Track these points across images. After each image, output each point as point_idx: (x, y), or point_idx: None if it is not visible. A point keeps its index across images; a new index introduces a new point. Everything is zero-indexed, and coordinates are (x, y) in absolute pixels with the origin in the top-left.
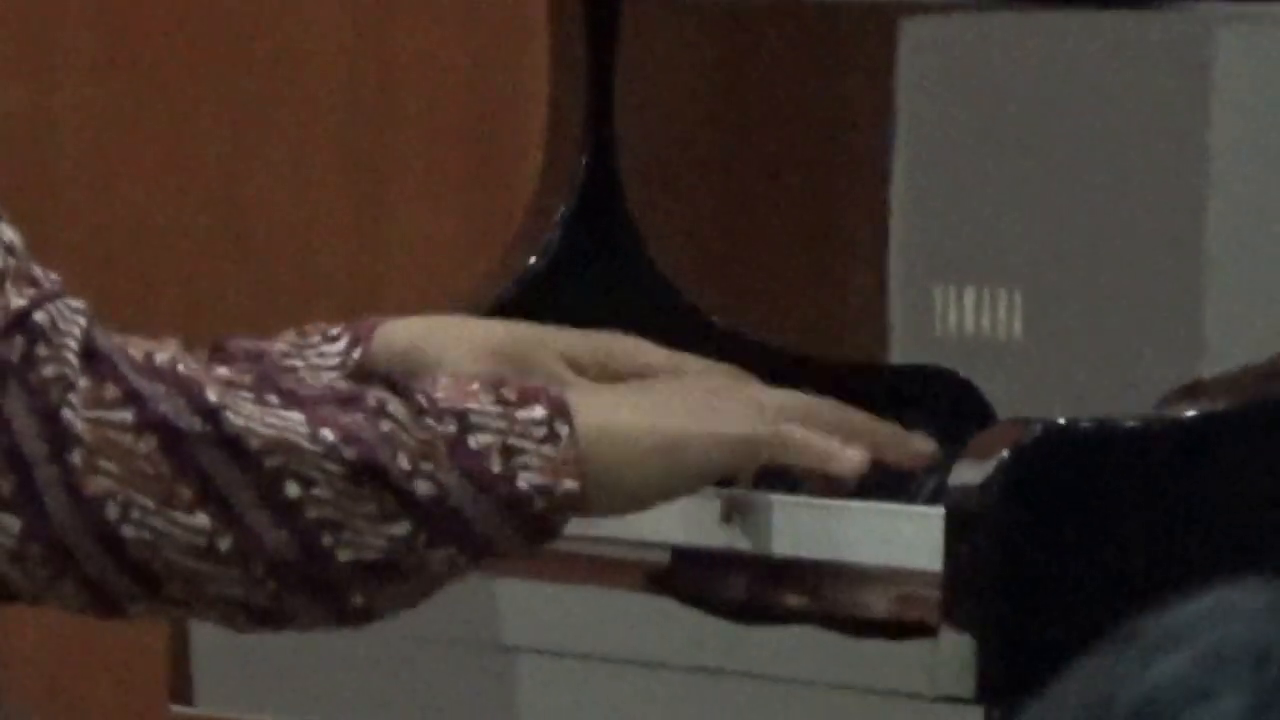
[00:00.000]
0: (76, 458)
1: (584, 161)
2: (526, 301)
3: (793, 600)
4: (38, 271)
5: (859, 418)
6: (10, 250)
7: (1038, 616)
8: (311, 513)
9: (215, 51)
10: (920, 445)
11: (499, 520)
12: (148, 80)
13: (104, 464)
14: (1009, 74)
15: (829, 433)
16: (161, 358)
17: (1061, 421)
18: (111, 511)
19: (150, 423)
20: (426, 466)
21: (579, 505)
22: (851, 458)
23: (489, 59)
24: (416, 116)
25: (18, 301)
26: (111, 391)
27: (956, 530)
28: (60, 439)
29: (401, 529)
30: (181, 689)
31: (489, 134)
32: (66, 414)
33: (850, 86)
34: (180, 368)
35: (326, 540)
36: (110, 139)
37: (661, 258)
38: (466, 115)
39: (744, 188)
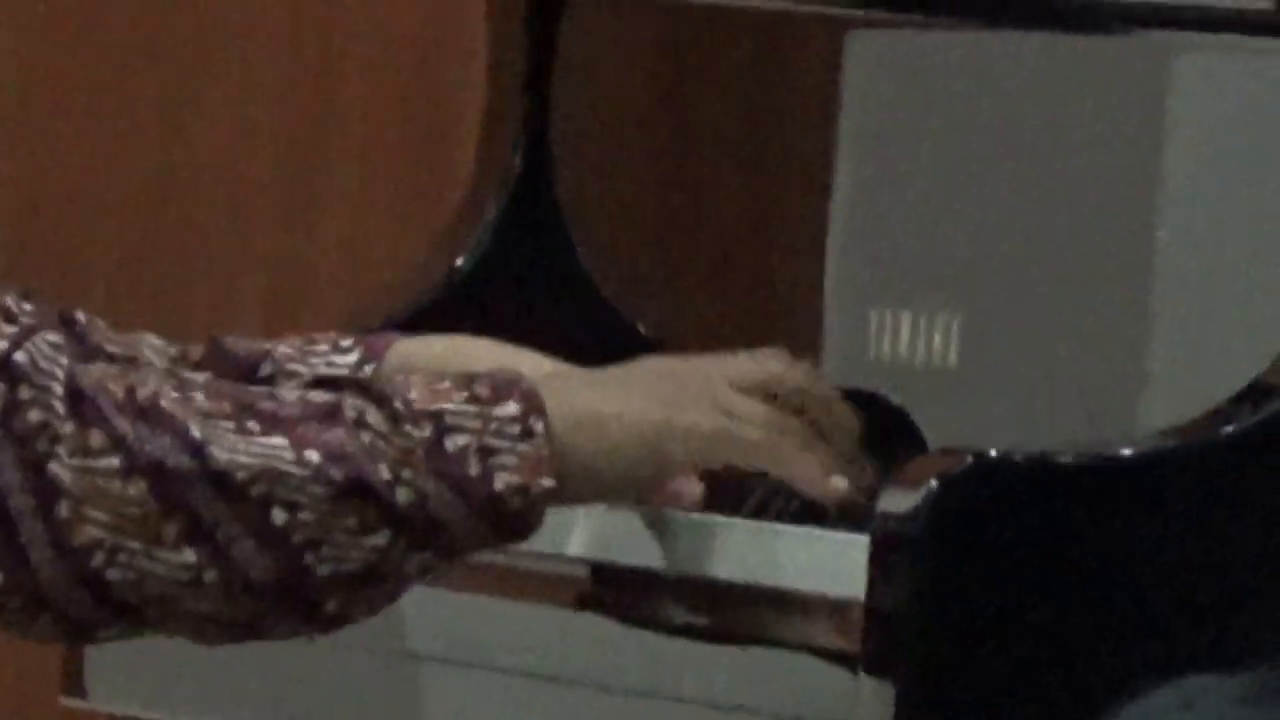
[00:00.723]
0: (64, 510)
1: (518, 163)
2: (453, 301)
3: (718, 622)
4: (10, 302)
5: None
6: None
7: (959, 654)
8: (297, 536)
9: (153, 26)
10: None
11: (476, 522)
12: (82, 49)
13: (91, 513)
14: (954, 96)
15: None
16: (143, 393)
17: (993, 453)
18: (98, 559)
19: (138, 467)
20: (406, 474)
21: (556, 499)
22: (834, 485)
23: (430, 54)
24: (354, 108)
25: None
26: (98, 438)
27: (880, 558)
28: (47, 492)
29: (381, 539)
30: (74, 682)
31: (427, 130)
32: (53, 466)
33: (792, 99)
34: (163, 403)
35: (309, 559)
36: (40, 108)
37: (592, 265)
38: (405, 109)
39: (680, 199)
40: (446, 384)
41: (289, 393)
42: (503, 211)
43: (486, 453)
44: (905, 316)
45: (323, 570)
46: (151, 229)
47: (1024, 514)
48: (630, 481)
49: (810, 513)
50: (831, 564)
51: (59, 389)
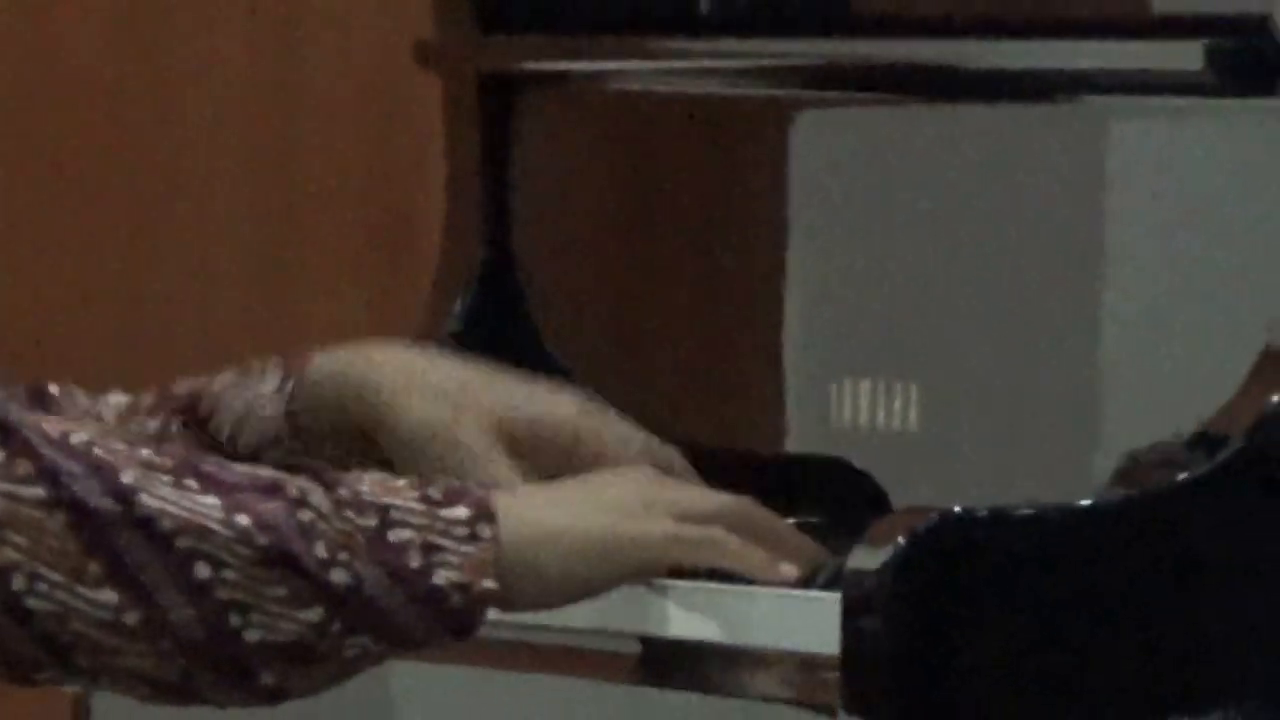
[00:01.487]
0: None
1: (481, 255)
2: None
3: (689, 682)
4: None
5: (785, 527)
6: None
7: (933, 703)
8: (221, 593)
9: (116, 133)
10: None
11: (415, 613)
12: (49, 156)
13: (12, 536)
14: (903, 169)
15: (762, 539)
16: (78, 438)
17: (958, 509)
18: (18, 583)
19: (61, 500)
20: (343, 556)
21: (499, 602)
22: (783, 572)
23: (392, 151)
24: (320, 204)
25: None
26: (24, 467)
27: (852, 615)
28: None
29: (314, 615)
30: None
31: (392, 225)
32: None
33: (745, 181)
34: (97, 449)
35: (235, 620)
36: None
37: (558, 348)
38: (370, 206)
39: (640, 281)
40: (401, 483)
41: (241, 465)
42: (469, 304)
43: (430, 549)
44: (864, 385)
45: (250, 636)
46: (124, 330)
47: (989, 566)
48: (588, 589)
49: None
50: (804, 623)
51: None
